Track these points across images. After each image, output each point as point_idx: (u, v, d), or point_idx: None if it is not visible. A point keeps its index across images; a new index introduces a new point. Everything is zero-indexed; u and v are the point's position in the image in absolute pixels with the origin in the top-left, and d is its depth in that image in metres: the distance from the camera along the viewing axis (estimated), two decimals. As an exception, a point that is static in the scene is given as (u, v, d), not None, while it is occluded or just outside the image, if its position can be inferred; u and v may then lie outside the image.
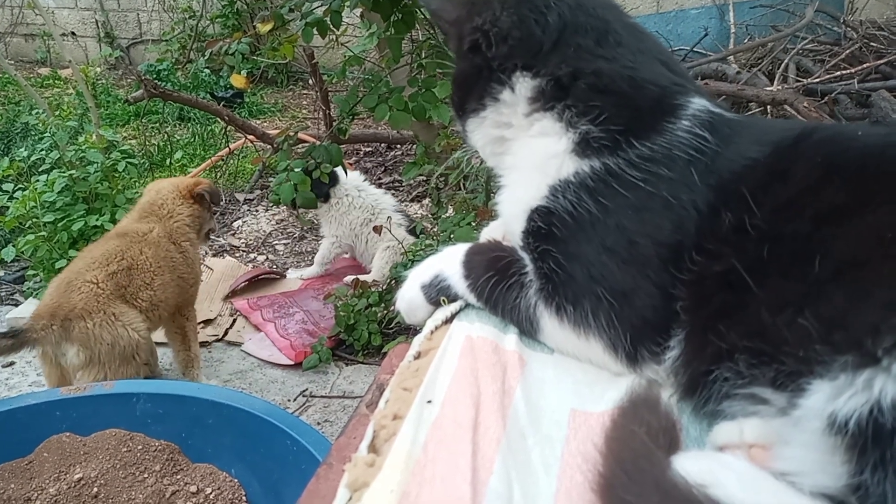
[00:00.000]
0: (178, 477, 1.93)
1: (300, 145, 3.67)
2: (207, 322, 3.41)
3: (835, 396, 0.62)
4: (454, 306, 0.98)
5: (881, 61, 4.09)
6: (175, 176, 4.99)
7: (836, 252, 0.70)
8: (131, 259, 2.59)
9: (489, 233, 1.11)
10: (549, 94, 0.92)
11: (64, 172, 3.55)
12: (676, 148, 0.85)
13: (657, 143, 0.86)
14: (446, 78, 2.50)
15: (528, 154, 0.95)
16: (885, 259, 0.66)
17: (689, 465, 0.65)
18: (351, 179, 3.82)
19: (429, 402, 0.77)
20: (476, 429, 0.73)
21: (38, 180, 3.57)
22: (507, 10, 0.94)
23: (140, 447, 1.95)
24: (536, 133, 0.94)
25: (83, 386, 2.08)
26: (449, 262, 0.99)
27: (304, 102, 7.43)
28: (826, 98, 3.68)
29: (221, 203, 2.98)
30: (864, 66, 4.07)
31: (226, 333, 3.35)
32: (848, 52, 4.44)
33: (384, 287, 3.25)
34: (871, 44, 4.49)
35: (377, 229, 3.59)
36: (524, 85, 0.94)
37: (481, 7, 0.97)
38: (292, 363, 3.07)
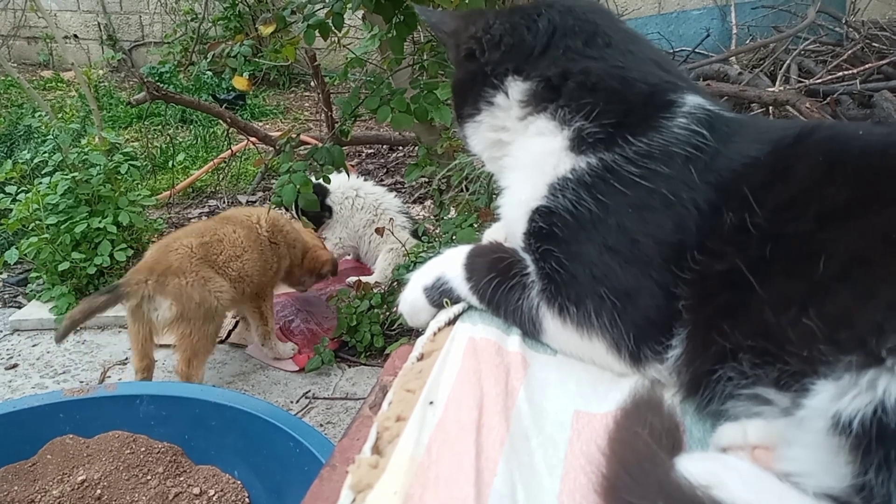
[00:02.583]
0: (181, 479, 1.94)
1: (302, 147, 3.67)
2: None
3: (839, 396, 0.62)
4: (457, 308, 0.98)
5: (883, 62, 4.08)
6: (177, 178, 5.02)
7: (839, 251, 0.69)
8: (223, 234, 2.88)
9: (491, 235, 1.11)
10: (541, 96, 0.94)
11: (67, 175, 3.56)
12: (674, 145, 0.86)
13: (654, 140, 0.86)
14: (448, 79, 2.49)
15: (525, 155, 0.96)
16: (890, 258, 0.66)
17: (693, 466, 0.65)
18: (347, 183, 3.81)
19: (431, 403, 0.77)
20: (479, 430, 0.73)
21: (40, 183, 3.58)
22: (499, 19, 0.99)
23: (143, 449, 1.96)
24: (533, 134, 0.95)
25: (86, 388, 2.08)
26: (451, 265, 0.99)
27: (306, 104, 7.44)
28: (828, 99, 3.67)
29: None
30: (867, 66, 4.06)
31: (229, 335, 3.35)
32: (850, 52, 4.43)
33: (387, 289, 3.25)
34: (873, 44, 4.48)
35: (380, 231, 3.59)
36: (516, 88, 0.96)
37: (476, 17, 1.02)
38: (297, 368, 3.08)
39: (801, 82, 4.04)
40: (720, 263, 0.78)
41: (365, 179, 4.12)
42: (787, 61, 4.37)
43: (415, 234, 3.70)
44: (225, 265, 2.82)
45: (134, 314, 2.63)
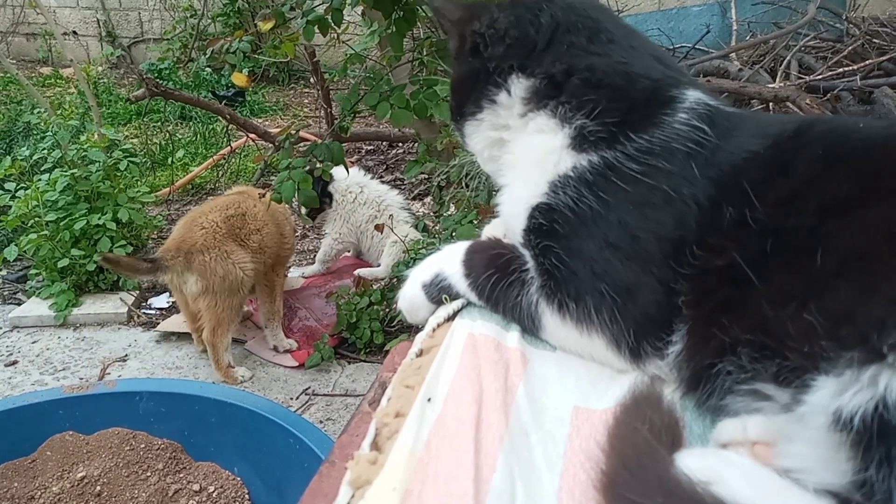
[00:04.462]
0: (181, 475, 1.94)
1: (302, 144, 3.67)
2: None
3: (840, 392, 0.61)
4: (456, 304, 0.97)
5: (884, 58, 4.08)
6: (177, 174, 5.02)
7: (840, 246, 0.69)
8: (245, 208, 3.05)
9: (490, 231, 1.10)
10: (543, 93, 0.93)
11: (66, 171, 3.56)
12: (675, 141, 0.85)
13: (655, 136, 0.86)
14: (447, 76, 2.49)
15: (526, 152, 0.95)
16: (891, 253, 0.66)
17: (693, 462, 0.64)
18: (352, 177, 3.81)
19: (429, 400, 0.77)
20: (478, 426, 0.72)
21: (40, 179, 3.57)
22: (504, 13, 0.97)
23: (143, 446, 1.96)
24: (533, 131, 0.95)
25: (86, 384, 2.08)
26: (449, 261, 0.98)
27: (306, 101, 7.43)
28: (829, 95, 3.67)
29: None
30: (867, 62, 4.06)
31: (228, 332, 3.35)
32: (850, 48, 4.42)
33: (386, 285, 3.25)
34: (874, 40, 4.47)
35: (380, 227, 3.59)
36: (519, 85, 0.95)
37: (481, 11, 1.00)
38: (296, 364, 3.08)
39: (802, 78, 4.04)
40: (720, 258, 0.78)
41: (372, 177, 4.11)
42: (788, 57, 4.36)
43: (418, 228, 3.70)
44: (247, 238, 3.00)
45: (173, 285, 2.93)
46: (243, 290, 2.96)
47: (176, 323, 3.35)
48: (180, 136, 5.87)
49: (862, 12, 5.28)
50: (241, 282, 2.90)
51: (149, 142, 5.61)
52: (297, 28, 2.47)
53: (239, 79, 3.20)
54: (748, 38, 5.14)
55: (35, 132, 4.77)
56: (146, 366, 3.08)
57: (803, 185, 0.77)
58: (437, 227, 3.31)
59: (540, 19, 0.94)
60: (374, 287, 3.26)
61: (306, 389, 2.91)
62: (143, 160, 4.95)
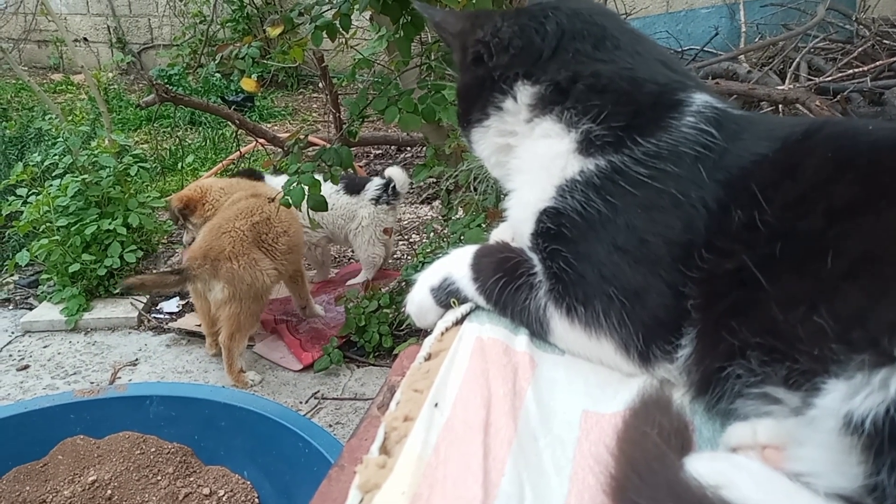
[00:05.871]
0: (191, 479, 1.94)
1: (310, 148, 3.69)
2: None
3: (851, 396, 0.61)
4: (464, 308, 0.97)
5: (894, 59, 4.06)
6: (186, 179, 5.05)
7: (851, 248, 0.69)
8: (269, 212, 2.99)
9: (498, 235, 1.10)
10: (549, 99, 0.93)
11: (77, 177, 3.59)
12: (682, 144, 0.85)
13: (662, 140, 0.85)
14: (454, 81, 2.49)
15: (533, 157, 0.95)
16: None
17: (702, 466, 0.64)
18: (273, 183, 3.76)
19: (436, 405, 0.77)
20: (487, 430, 0.72)
21: (51, 185, 3.61)
22: (507, 22, 0.97)
23: (153, 449, 1.97)
24: (539, 136, 0.94)
25: (96, 389, 2.10)
26: (457, 265, 0.98)
27: (315, 105, 7.46)
28: (838, 96, 3.65)
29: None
30: (877, 63, 4.03)
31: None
32: (860, 49, 4.40)
33: (395, 288, 3.26)
34: (884, 41, 4.45)
35: (388, 232, 3.60)
36: (525, 92, 0.95)
37: (483, 20, 1.00)
38: (302, 366, 3.09)
39: (811, 80, 4.02)
40: (729, 261, 0.78)
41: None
42: (797, 59, 4.35)
43: (352, 187, 3.65)
44: (275, 241, 2.99)
45: (195, 291, 2.94)
46: (265, 297, 3.00)
47: (190, 322, 3.37)
48: (190, 142, 5.91)
49: (872, 13, 5.25)
50: (266, 288, 2.93)
51: (159, 147, 5.65)
52: (306, 33, 2.48)
53: (248, 84, 3.21)
54: (757, 40, 5.13)
55: (46, 138, 4.81)
56: (156, 370, 3.10)
57: (812, 187, 0.76)
58: (445, 231, 3.31)
59: (546, 27, 0.94)
60: (383, 291, 3.27)
61: (315, 393, 2.92)
62: (154, 165, 4.98)
